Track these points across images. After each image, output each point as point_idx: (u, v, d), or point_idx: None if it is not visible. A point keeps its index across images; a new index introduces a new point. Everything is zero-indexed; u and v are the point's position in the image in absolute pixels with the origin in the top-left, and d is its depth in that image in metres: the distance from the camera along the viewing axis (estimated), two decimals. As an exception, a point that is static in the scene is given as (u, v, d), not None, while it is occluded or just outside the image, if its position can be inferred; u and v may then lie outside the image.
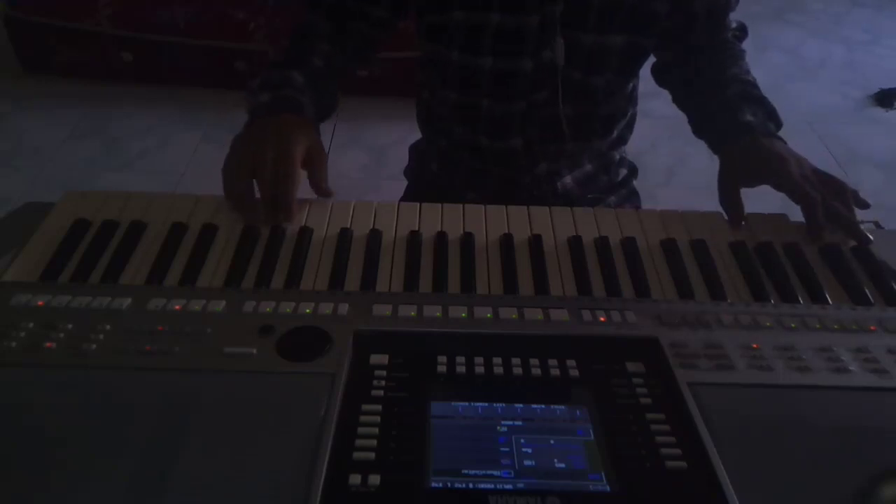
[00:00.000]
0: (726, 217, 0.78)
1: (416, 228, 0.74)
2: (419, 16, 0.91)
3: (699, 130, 0.91)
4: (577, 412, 0.53)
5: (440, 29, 0.89)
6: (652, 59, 0.97)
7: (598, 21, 0.84)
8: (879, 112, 2.70)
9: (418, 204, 0.77)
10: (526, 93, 0.90)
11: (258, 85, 0.82)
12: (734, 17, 0.94)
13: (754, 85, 0.88)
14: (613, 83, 0.92)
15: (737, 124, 0.82)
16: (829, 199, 0.75)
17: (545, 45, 0.85)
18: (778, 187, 0.76)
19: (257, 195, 0.74)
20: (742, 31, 0.97)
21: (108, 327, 0.59)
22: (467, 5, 0.85)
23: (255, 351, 0.57)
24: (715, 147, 0.86)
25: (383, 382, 0.55)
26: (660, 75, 0.98)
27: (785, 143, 0.81)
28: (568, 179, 1.01)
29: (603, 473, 0.49)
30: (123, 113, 2.45)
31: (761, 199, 0.82)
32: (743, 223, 0.77)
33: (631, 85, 0.98)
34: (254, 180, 0.73)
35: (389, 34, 0.94)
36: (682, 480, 0.49)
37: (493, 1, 0.83)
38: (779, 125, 0.84)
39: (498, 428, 0.52)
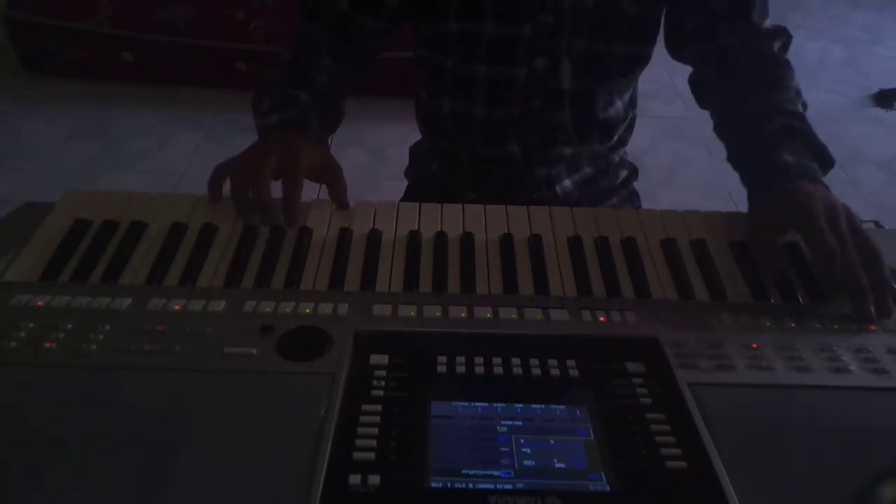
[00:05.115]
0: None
1: (416, 228, 0.74)
2: (416, 24, 0.91)
3: (734, 163, 0.80)
4: (577, 412, 0.53)
5: (436, 37, 0.89)
6: (671, 63, 0.92)
7: (594, 31, 0.84)
8: (879, 112, 2.70)
9: (418, 204, 0.77)
10: (520, 101, 0.90)
11: (267, 107, 0.82)
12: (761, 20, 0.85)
13: (800, 116, 0.78)
14: (612, 91, 0.92)
15: (771, 165, 0.72)
16: (851, 256, 0.64)
17: (538, 54, 0.85)
18: (800, 233, 0.68)
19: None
20: (779, 35, 0.85)
21: (108, 327, 0.59)
22: (461, 15, 0.85)
23: (255, 351, 0.57)
24: (746, 186, 0.76)
25: (383, 382, 0.55)
26: (699, 93, 0.91)
27: (826, 187, 0.70)
28: (567, 183, 1.01)
29: (603, 473, 0.49)
30: (123, 113, 2.45)
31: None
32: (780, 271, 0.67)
33: (630, 90, 0.98)
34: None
35: (386, 42, 0.94)
36: (682, 480, 0.49)
37: (486, 11, 0.83)
38: (827, 165, 0.74)
39: (498, 428, 0.52)
